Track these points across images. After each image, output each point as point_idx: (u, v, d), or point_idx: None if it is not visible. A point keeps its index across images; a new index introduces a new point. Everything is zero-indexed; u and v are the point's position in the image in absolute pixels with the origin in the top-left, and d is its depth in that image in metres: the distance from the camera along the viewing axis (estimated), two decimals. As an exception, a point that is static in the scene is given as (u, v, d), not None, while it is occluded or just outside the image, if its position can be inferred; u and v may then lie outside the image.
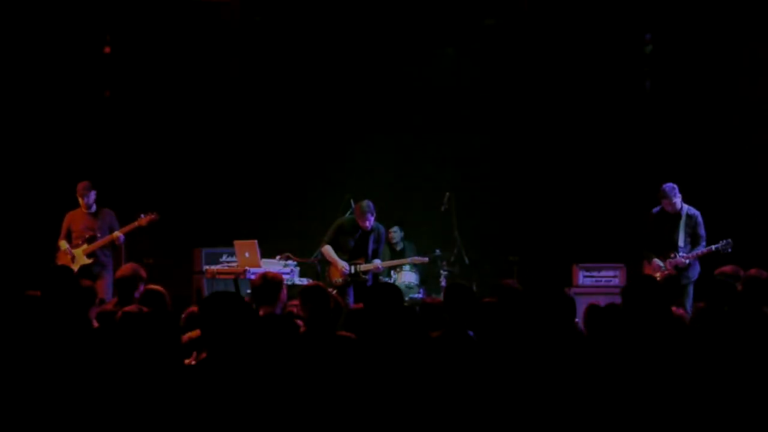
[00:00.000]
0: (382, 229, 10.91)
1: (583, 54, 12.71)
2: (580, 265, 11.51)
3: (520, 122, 13.09)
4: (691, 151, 12.26)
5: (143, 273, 7.49)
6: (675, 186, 10.32)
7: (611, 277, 11.40)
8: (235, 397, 4.68)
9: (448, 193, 11.76)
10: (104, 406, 4.66)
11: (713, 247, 10.13)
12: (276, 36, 13.05)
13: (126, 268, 7.67)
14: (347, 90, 13.26)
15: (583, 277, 11.45)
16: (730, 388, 4.64)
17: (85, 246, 10.86)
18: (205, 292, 11.39)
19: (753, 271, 6.64)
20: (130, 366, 4.77)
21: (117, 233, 10.79)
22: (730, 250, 10.05)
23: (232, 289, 10.97)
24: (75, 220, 10.99)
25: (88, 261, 10.81)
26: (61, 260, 10.83)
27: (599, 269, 11.48)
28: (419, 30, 12.89)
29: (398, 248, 12.52)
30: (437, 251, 11.91)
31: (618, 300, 7.35)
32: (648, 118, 12.57)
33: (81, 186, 10.98)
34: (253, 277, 10.19)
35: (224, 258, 11.94)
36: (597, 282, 11.42)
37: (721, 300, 5.66)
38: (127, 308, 5.75)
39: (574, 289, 11.12)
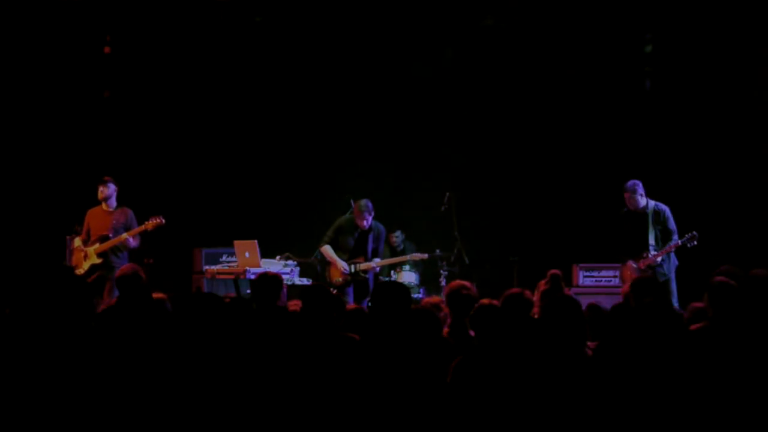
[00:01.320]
0: (381, 228, 10.91)
1: (582, 54, 12.70)
2: (580, 265, 11.51)
3: (520, 122, 13.08)
4: (691, 152, 12.26)
5: (143, 273, 7.50)
6: (638, 182, 10.28)
7: (611, 277, 11.39)
8: (235, 397, 4.68)
9: (448, 193, 11.75)
10: (94, 402, 4.67)
11: (680, 241, 10.10)
12: (276, 36, 13.05)
13: (125, 268, 7.68)
14: (347, 90, 13.26)
15: (583, 277, 11.45)
16: (733, 390, 4.64)
17: (97, 245, 10.79)
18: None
19: (755, 271, 6.63)
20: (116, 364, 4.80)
21: (125, 235, 10.72)
22: (695, 243, 10.04)
23: (232, 289, 11.00)
24: (93, 217, 10.90)
25: (98, 261, 10.73)
26: (75, 258, 10.81)
27: (599, 269, 11.47)
28: (419, 30, 12.89)
29: (399, 249, 12.51)
30: (437, 251, 11.90)
31: (618, 300, 7.39)
32: (648, 118, 12.56)
33: (102, 180, 10.88)
34: (253, 277, 10.21)
35: (224, 258, 11.94)
36: (597, 282, 11.42)
37: (722, 302, 5.65)
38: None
39: (574, 289, 11.11)
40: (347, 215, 11.03)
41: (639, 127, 12.59)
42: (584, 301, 6.85)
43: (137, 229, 10.76)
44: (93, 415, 4.68)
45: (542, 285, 7.17)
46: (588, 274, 11.46)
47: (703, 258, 10.27)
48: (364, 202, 10.69)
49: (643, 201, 10.24)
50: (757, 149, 12.05)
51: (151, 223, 10.74)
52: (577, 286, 11.32)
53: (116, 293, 9.42)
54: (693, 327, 5.97)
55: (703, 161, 12.20)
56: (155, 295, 6.72)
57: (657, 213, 10.22)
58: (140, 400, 4.68)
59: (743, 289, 5.83)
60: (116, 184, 10.88)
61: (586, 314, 6.03)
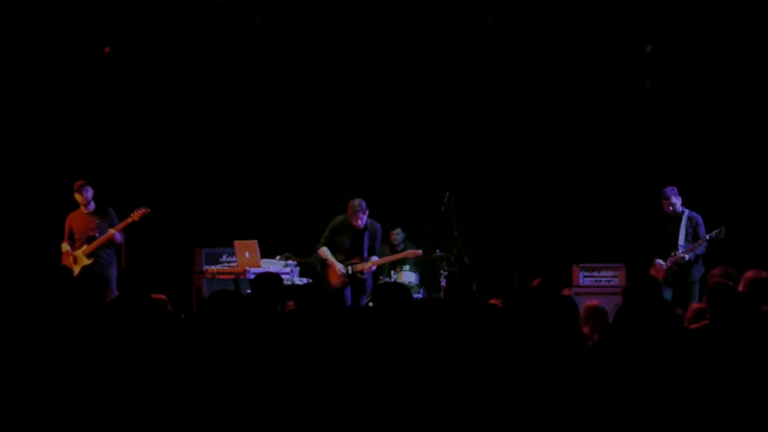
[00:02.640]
0: (377, 226, 10.85)
1: (583, 54, 12.70)
2: (580, 265, 11.52)
3: (520, 122, 13.08)
4: (691, 152, 12.26)
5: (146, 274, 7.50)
6: (675, 188, 10.43)
7: (611, 277, 11.40)
8: (233, 395, 4.68)
9: (448, 193, 11.74)
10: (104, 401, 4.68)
11: (708, 236, 10.19)
12: (276, 36, 13.05)
13: (126, 267, 7.70)
14: (347, 90, 13.25)
15: (583, 277, 11.46)
16: (732, 390, 4.65)
17: (85, 247, 10.80)
18: (206, 292, 11.38)
19: (752, 273, 6.64)
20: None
21: (112, 231, 10.74)
22: (723, 236, 10.14)
23: (232, 289, 10.99)
24: (75, 221, 10.91)
25: (89, 261, 10.70)
26: (64, 262, 10.78)
27: (599, 269, 11.48)
28: (419, 30, 12.88)
29: (399, 249, 12.49)
30: (437, 251, 11.90)
31: (618, 300, 7.38)
32: (648, 118, 12.56)
33: (76, 184, 10.87)
34: (253, 277, 10.21)
35: (224, 258, 11.94)
36: (597, 282, 11.43)
37: (717, 301, 5.66)
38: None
39: (574, 289, 11.12)
40: (342, 216, 10.96)
41: (638, 127, 12.59)
42: (584, 301, 6.88)
43: (124, 223, 10.77)
44: (93, 414, 4.69)
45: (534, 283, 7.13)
46: (588, 274, 11.47)
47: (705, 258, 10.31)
48: (357, 201, 10.63)
49: (679, 206, 10.36)
50: (758, 149, 12.05)
51: (137, 214, 10.75)
52: (577, 286, 11.33)
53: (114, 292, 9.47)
54: (693, 327, 5.98)
55: (704, 161, 12.19)
56: (155, 296, 6.72)
57: (690, 219, 10.40)
58: (138, 399, 4.69)
59: (733, 289, 5.84)
60: (91, 186, 10.89)
61: (583, 315, 6.05)
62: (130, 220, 10.76)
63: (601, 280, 11.43)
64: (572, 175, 12.87)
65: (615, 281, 11.31)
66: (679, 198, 10.42)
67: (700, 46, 12.22)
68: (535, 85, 12.95)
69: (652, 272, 10.26)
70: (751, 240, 11.49)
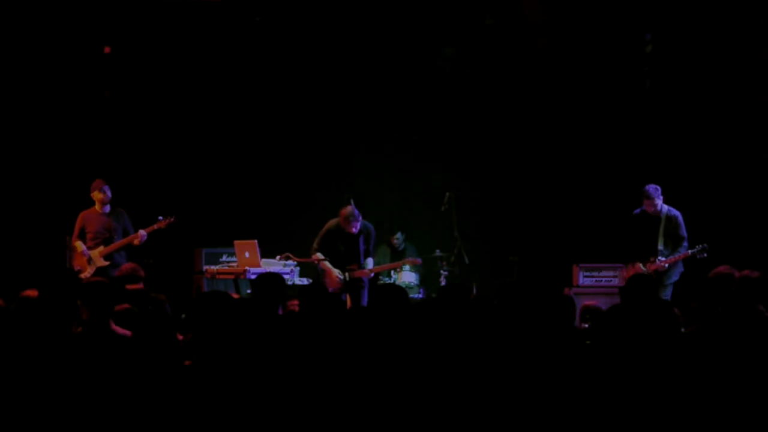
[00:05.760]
0: (370, 227, 10.84)
1: (583, 54, 12.69)
2: (580, 265, 11.52)
3: (520, 122, 13.08)
4: (690, 152, 12.26)
5: (142, 273, 7.51)
6: (658, 187, 10.36)
7: (611, 277, 11.40)
8: (234, 396, 4.69)
9: (448, 193, 11.75)
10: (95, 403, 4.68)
11: (689, 251, 10.13)
12: (276, 36, 13.05)
13: (124, 267, 7.70)
14: (347, 90, 13.26)
15: (583, 277, 11.46)
16: (728, 388, 4.65)
17: (101, 248, 10.65)
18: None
19: (746, 272, 6.65)
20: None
21: (142, 232, 10.64)
22: (705, 255, 10.07)
23: (232, 289, 11.00)
24: (90, 220, 10.72)
25: (105, 263, 10.56)
26: (77, 261, 10.65)
27: (599, 269, 11.48)
28: (419, 30, 12.89)
29: (400, 249, 12.50)
30: (437, 251, 11.91)
31: (617, 300, 7.39)
32: (648, 118, 12.56)
33: (95, 183, 10.73)
34: (253, 277, 10.22)
35: (224, 258, 11.94)
36: (597, 282, 11.43)
37: (714, 300, 5.66)
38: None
39: (574, 289, 11.13)
40: (335, 220, 10.90)
41: (639, 127, 12.59)
42: (585, 302, 6.89)
43: (149, 229, 10.69)
44: (92, 416, 4.69)
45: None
46: (588, 274, 11.47)
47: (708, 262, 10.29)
48: (350, 210, 10.58)
49: (659, 205, 10.30)
50: (757, 149, 12.05)
51: (164, 222, 10.71)
52: (577, 286, 11.33)
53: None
54: (690, 328, 5.98)
55: (703, 161, 12.19)
56: (154, 295, 6.71)
57: (669, 218, 10.30)
58: (139, 400, 4.69)
59: (730, 288, 5.84)
60: (108, 185, 10.82)
61: (580, 315, 6.05)
62: (156, 226, 10.69)
63: (601, 280, 11.42)
64: (573, 175, 12.86)
65: (615, 281, 11.30)
66: (661, 197, 10.34)
67: (700, 45, 12.21)
68: (535, 85, 12.94)
69: (630, 273, 10.18)
70: (751, 240, 11.51)
